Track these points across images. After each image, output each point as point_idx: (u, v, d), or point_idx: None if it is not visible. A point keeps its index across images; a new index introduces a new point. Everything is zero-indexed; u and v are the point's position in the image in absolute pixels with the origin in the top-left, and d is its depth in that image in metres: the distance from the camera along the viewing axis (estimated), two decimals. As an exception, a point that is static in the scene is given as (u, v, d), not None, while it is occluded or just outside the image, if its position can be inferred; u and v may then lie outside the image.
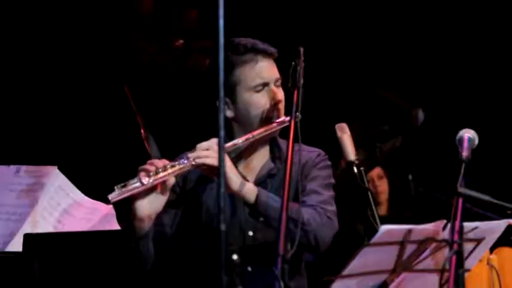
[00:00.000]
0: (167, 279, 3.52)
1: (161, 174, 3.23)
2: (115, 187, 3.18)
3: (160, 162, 3.26)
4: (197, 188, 3.50)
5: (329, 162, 3.59)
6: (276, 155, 3.54)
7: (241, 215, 3.44)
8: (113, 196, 3.17)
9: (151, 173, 3.21)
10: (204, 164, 3.28)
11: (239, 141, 3.40)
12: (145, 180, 3.19)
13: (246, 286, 3.40)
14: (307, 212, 3.33)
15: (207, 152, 3.28)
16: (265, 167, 3.53)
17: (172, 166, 3.26)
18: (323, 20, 6.67)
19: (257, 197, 3.31)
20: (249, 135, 3.42)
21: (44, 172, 3.86)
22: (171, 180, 3.27)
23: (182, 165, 3.27)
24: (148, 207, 3.27)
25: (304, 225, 3.27)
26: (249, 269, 3.41)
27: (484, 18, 6.80)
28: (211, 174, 3.33)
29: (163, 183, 3.26)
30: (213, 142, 3.29)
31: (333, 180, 3.56)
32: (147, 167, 3.24)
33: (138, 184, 3.19)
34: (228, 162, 3.29)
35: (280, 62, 3.55)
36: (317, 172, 3.51)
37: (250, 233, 3.44)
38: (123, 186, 3.18)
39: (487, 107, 6.86)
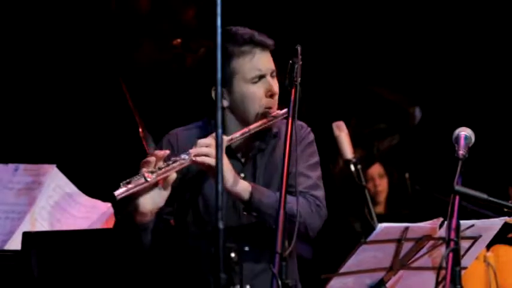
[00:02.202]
0: (165, 274, 3.53)
1: (163, 170, 3.26)
2: (120, 184, 3.20)
3: (161, 153, 3.28)
4: (197, 178, 3.50)
5: (313, 136, 3.57)
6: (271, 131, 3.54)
7: None
8: (119, 193, 3.19)
9: (154, 169, 3.24)
10: (203, 163, 3.30)
11: (236, 135, 3.42)
12: (149, 176, 3.22)
13: (243, 265, 3.40)
14: (295, 202, 3.25)
15: (207, 150, 3.29)
16: (257, 145, 3.53)
17: (174, 161, 3.28)
18: (320, 19, 6.67)
19: (251, 194, 3.33)
20: (246, 129, 3.44)
21: (43, 170, 3.87)
22: (173, 176, 3.29)
23: (183, 160, 3.30)
24: (151, 202, 3.28)
25: (293, 217, 3.26)
26: (246, 248, 3.42)
27: (481, 17, 6.81)
28: (209, 172, 3.34)
29: (165, 178, 3.28)
30: (213, 138, 3.30)
31: (317, 158, 3.55)
32: (149, 159, 3.26)
33: (142, 180, 3.22)
34: (225, 160, 3.31)
35: (278, 60, 3.56)
36: (303, 150, 3.50)
37: (245, 213, 3.44)
38: (128, 183, 3.20)
39: (484, 106, 6.88)
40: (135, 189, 3.22)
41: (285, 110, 3.37)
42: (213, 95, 3.48)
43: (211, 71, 2.75)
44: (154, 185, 3.27)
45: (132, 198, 3.26)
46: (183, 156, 3.30)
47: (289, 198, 3.17)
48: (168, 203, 3.38)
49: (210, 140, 3.32)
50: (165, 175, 3.26)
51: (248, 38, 3.48)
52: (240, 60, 3.46)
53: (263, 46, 3.49)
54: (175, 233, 3.51)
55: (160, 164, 3.27)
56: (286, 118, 3.24)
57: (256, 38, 3.49)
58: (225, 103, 3.50)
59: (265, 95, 3.47)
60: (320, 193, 3.48)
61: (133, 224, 3.32)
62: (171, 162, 3.28)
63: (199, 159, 3.29)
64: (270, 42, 3.51)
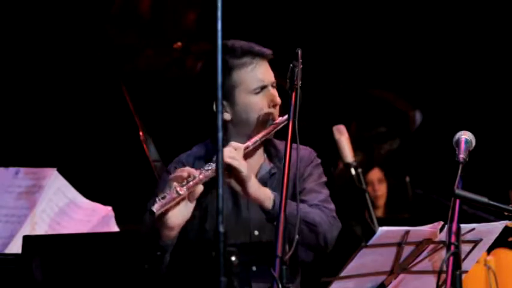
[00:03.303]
0: (169, 280, 3.53)
1: (192, 183, 3.25)
2: (156, 199, 3.19)
3: (193, 170, 3.27)
4: (204, 190, 3.49)
5: (320, 160, 3.61)
6: (273, 154, 3.56)
7: (246, 214, 3.44)
8: (157, 208, 3.18)
9: (183, 182, 3.24)
10: (230, 165, 3.28)
11: (249, 144, 3.42)
12: (181, 190, 3.22)
13: (251, 286, 3.41)
14: (315, 213, 3.37)
15: (232, 154, 3.28)
16: (264, 167, 3.54)
17: (200, 173, 3.27)
18: (320, 22, 6.68)
19: (274, 203, 3.33)
20: (256, 138, 3.44)
21: (43, 174, 3.87)
22: (200, 188, 3.27)
23: (208, 171, 3.28)
24: (179, 216, 3.26)
25: (315, 226, 3.31)
26: (254, 268, 3.42)
27: (482, 21, 6.82)
28: (234, 177, 3.31)
29: (193, 191, 3.28)
30: (232, 147, 3.31)
31: (325, 178, 3.59)
32: (181, 174, 3.25)
33: (175, 194, 3.22)
34: (248, 167, 3.31)
35: (278, 64, 3.56)
36: (312, 170, 3.54)
37: (256, 233, 3.45)
38: (163, 198, 3.20)
39: (485, 110, 6.88)
40: (170, 204, 3.21)
41: (286, 117, 3.36)
42: (214, 108, 3.47)
43: (211, 84, 2.75)
44: (182, 198, 3.27)
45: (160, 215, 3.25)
46: (206, 167, 3.29)
47: (307, 207, 3.31)
48: None
49: (230, 147, 3.32)
50: (194, 188, 3.26)
51: (247, 49, 3.48)
52: (241, 72, 3.46)
53: (262, 56, 3.49)
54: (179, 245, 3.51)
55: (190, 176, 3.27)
56: (287, 122, 3.25)
57: (254, 49, 3.49)
58: (227, 116, 3.49)
59: (268, 105, 3.48)
60: (332, 207, 3.50)
61: (157, 244, 3.31)
62: (197, 174, 3.27)
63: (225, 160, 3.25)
64: (268, 52, 3.51)
